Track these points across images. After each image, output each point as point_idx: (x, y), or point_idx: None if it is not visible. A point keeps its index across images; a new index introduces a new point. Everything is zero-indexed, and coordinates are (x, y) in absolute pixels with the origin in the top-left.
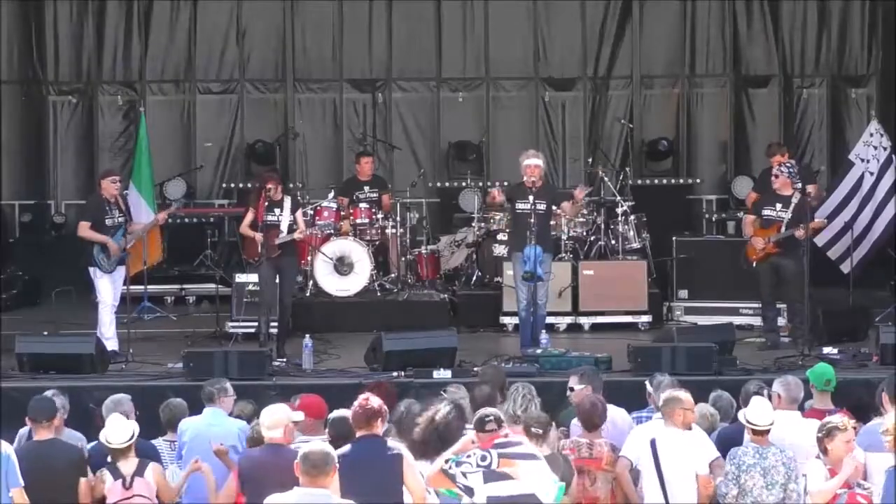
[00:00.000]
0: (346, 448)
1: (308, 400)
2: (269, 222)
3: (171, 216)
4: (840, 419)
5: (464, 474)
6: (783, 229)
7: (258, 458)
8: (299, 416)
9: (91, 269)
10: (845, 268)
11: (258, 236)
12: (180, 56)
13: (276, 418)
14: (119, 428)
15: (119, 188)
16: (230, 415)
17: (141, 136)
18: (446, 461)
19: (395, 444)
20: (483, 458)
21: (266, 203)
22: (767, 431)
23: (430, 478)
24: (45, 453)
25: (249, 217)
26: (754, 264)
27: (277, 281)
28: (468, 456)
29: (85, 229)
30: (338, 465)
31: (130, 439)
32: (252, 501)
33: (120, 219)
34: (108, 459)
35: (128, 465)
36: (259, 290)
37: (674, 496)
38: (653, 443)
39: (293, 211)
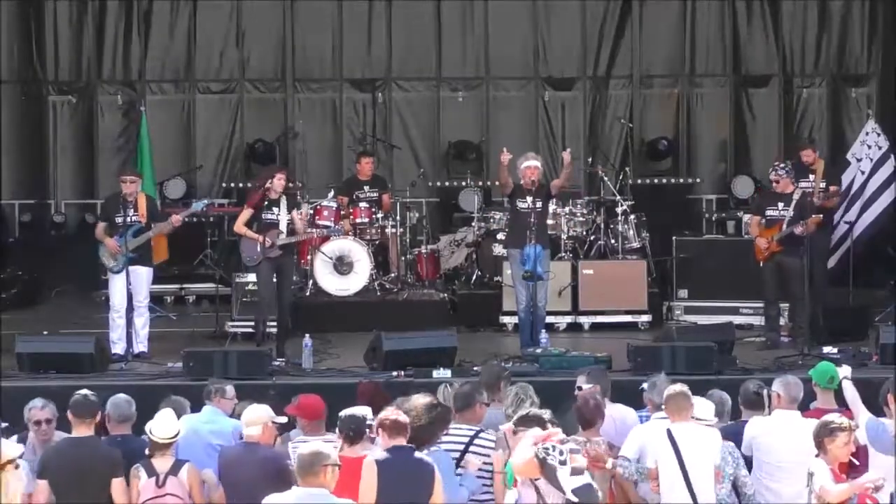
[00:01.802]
0: (385, 454)
1: (306, 400)
2: (267, 221)
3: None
4: (841, 419)
5: (552, 463)
6: (784, 227)
7: (232, 455)
8: (282, 419)
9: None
10: (829, 263)
11: (261, 238)
12: (180, 56)
13: (255, 416)
14: (166, 423)
15: (133, 188)
16: (231, 415)
17: (142, 135)
18: (540, 448)
19: (426, 457)
20: (561, 453)
21: (265, 202)
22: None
23: (518, 466)
24: (83, 451)
25: (246, 215)
26: (761, 264)
27: (276, 280)
28: (548, 448)
29: (98, 230)
30: (375, 463)
31: (174, 437)
32: (229, 499)
33: (134, 218)
34: (146, 452)
35: (163, 463)
36: (257, 290)
37: (700, 493)
38: (671, 438)
39: (290, 210)
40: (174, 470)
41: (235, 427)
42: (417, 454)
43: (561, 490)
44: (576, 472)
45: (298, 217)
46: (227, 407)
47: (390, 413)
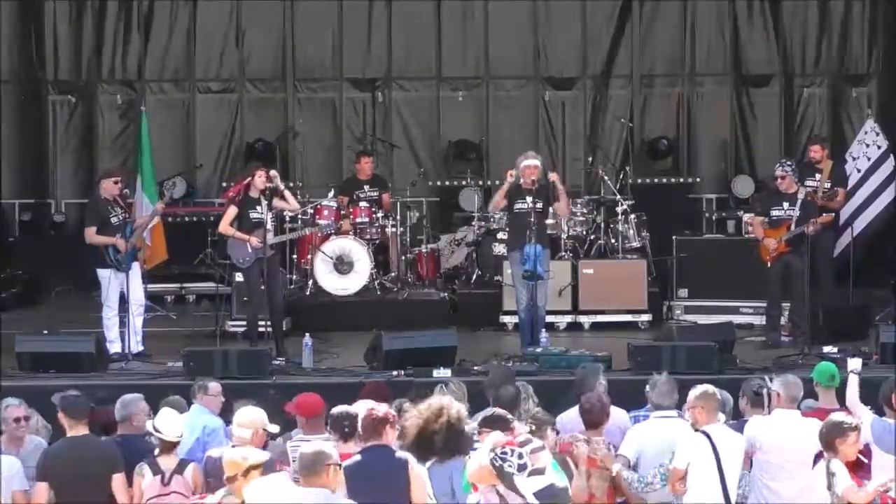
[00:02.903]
0: (357, 457)
1: (304, 399)
2: (254, 219)
3: (171, 213)
4: (849, 418)
5: (508, 470)
6: (793, 227)
7: (218, 460)
8: (274, 428)
9: (101, 271)
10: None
11: (251, 238)
12: (180, 56)
13: (248, 419)
14: (173, 421)
15: (120, 188)
16: (222, 414)
17: (142, 135)
18: (495, 454)
19: (403, 453)
20: (520, 456)
21: (247, 199)
22: None
23: (472, 474)
24: (82, 450)
25: (231, 213)
26: (768, 264)
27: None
28: (506, 453)
29: (92, 235)
30: (342, 468)
31: (181, 435)
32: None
33: (124, 215)
34: (157, 452)
35: (169, 462)
36: (248, 291)
37: (732, 495)
38: (711, 441)
39: (269, 206)
40: (180, 469)
41: (205, 426)
42: (398, 452)
43: (521, 496)
44: (536, 472)
45: (289, 198)
46: (212, 403)
47: (367, 411)
